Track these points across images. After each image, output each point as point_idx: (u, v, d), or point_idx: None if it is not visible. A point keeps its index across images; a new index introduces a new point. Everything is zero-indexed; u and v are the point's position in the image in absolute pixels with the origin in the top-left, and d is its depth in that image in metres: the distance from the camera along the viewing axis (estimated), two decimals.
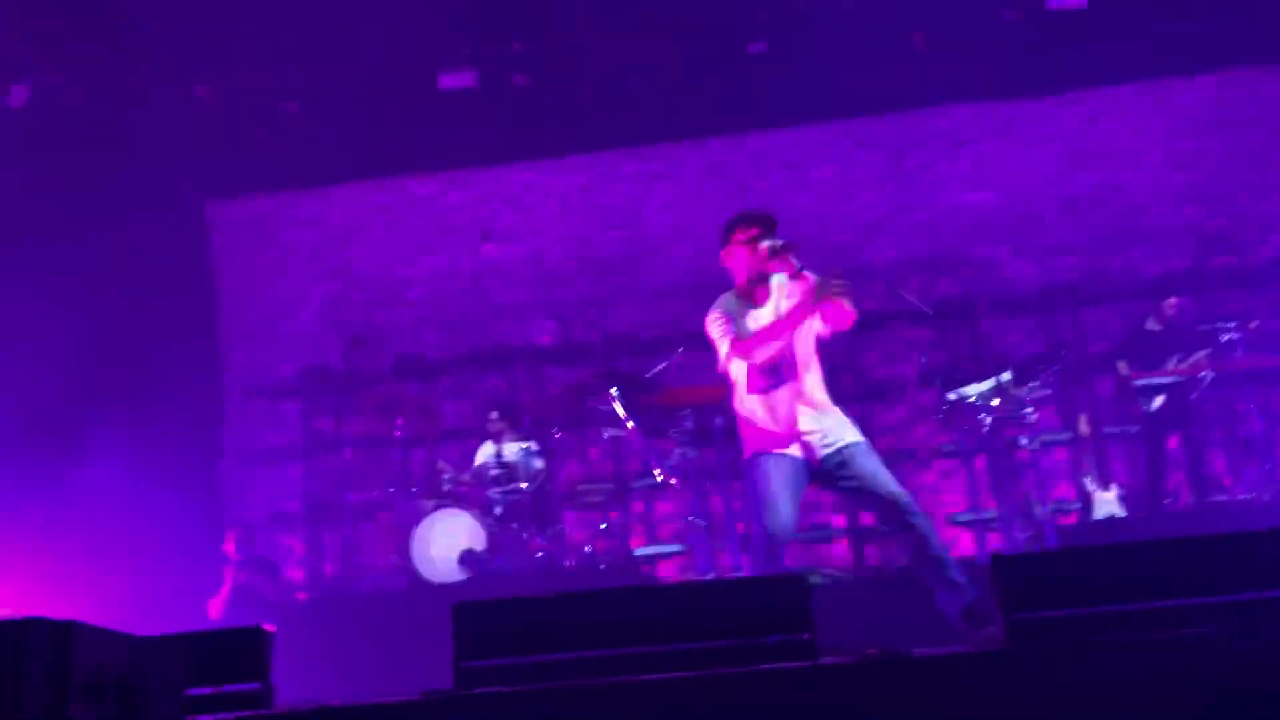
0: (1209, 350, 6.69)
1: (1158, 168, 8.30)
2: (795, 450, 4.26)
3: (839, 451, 4.26)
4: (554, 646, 3.28)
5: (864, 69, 7.81)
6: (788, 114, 8.25)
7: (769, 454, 4.25)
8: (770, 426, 4.27)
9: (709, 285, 8.33)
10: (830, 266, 4.25)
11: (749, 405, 4.33)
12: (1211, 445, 7.02)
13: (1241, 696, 2.90)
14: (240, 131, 7.86)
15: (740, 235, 4.38)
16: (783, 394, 4.28)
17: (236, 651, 3.47)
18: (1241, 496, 6.58)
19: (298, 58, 7.37)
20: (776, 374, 4.29)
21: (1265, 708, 2.88)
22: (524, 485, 6.66)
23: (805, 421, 4.27)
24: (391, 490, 6.95)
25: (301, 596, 7.71)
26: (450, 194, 8.85)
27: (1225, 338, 6.57)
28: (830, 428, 4.29)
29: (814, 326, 4.32)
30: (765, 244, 4.29)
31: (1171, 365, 6.76)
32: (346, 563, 7.49)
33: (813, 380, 4.35)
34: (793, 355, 4.30)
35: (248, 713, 3.37)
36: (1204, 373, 6.54)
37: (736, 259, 4.40)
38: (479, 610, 3.36)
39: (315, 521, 8.10)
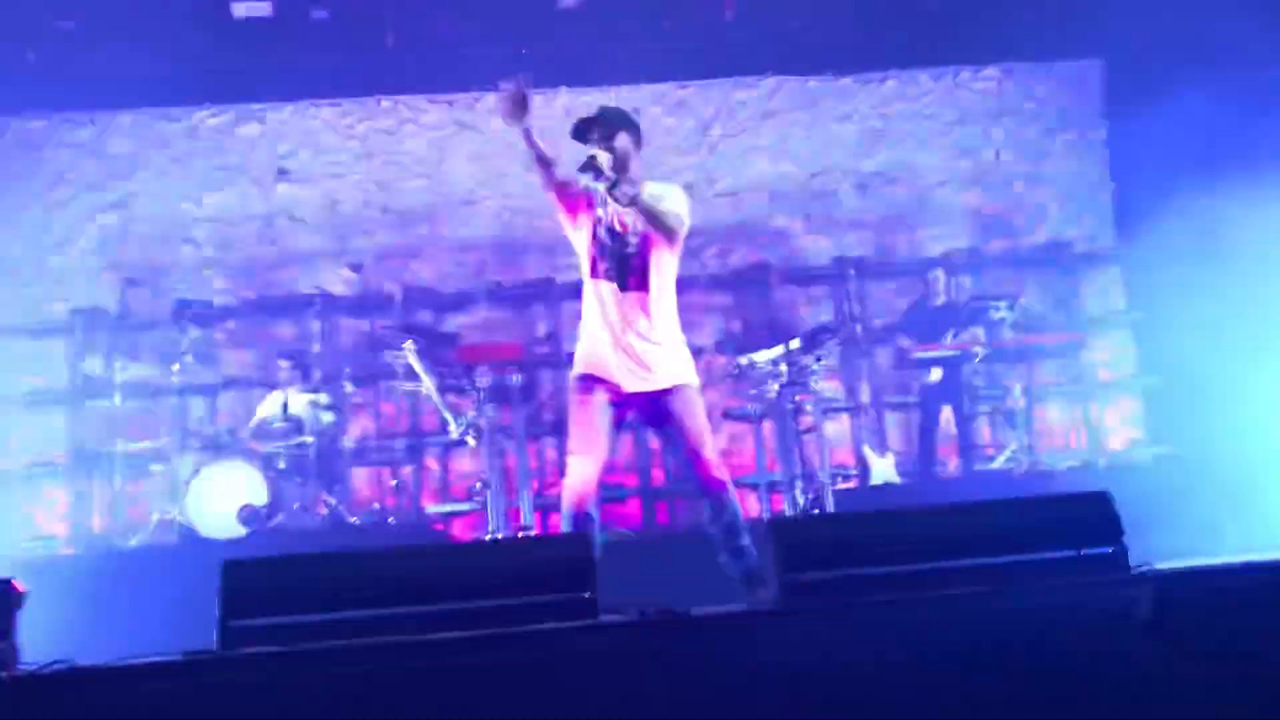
0: (981, 327, 7.09)
1: (945, 152, 8.72)
2: None
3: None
4: (327, 606, 3.18)
5: (676, 36, 7.85)
6: (598, 74, 8.21)
7: None
8: None
9: (513, 241, 8.36)
10: None
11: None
12: (978, 417, 7.46)
13: (991, 653, 3.09)
14: (13, 47, 7.21)
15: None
16: None
17: None
18: (1003, 466, 7.02)
19: None
20: None
21: (1011, 661, 3.08)
22: (310, 439, 6.44)
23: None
24: (166, 440, 6.58)
25: (65, 552, 7.24)
26: (242, 128, 8.41)
27: (996, 316, 6.98)
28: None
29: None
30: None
31: (948, 340, 7.14)
32: (114, 517, 7.06)
33: None
34: None
35: None
36: (976, 348, 6.93)
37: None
38: (249, 568, 3.22)
39: (82, 473, 7.58)
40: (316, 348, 7.04)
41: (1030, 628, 3.17)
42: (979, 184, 8.68)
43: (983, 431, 7.69)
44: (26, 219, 8.13)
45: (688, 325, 8.21)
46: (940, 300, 7.46)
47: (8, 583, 3.29)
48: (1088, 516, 3.43)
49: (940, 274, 7.49)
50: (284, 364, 7.01)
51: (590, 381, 4.15)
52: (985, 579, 3.33)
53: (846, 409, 7.81)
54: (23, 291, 8.04)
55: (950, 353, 7.06)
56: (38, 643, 3.40)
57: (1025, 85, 8.80)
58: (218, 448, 6.44)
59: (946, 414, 7.29)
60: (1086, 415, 8.00)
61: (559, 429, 8.04)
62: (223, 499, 6.17)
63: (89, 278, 8.10)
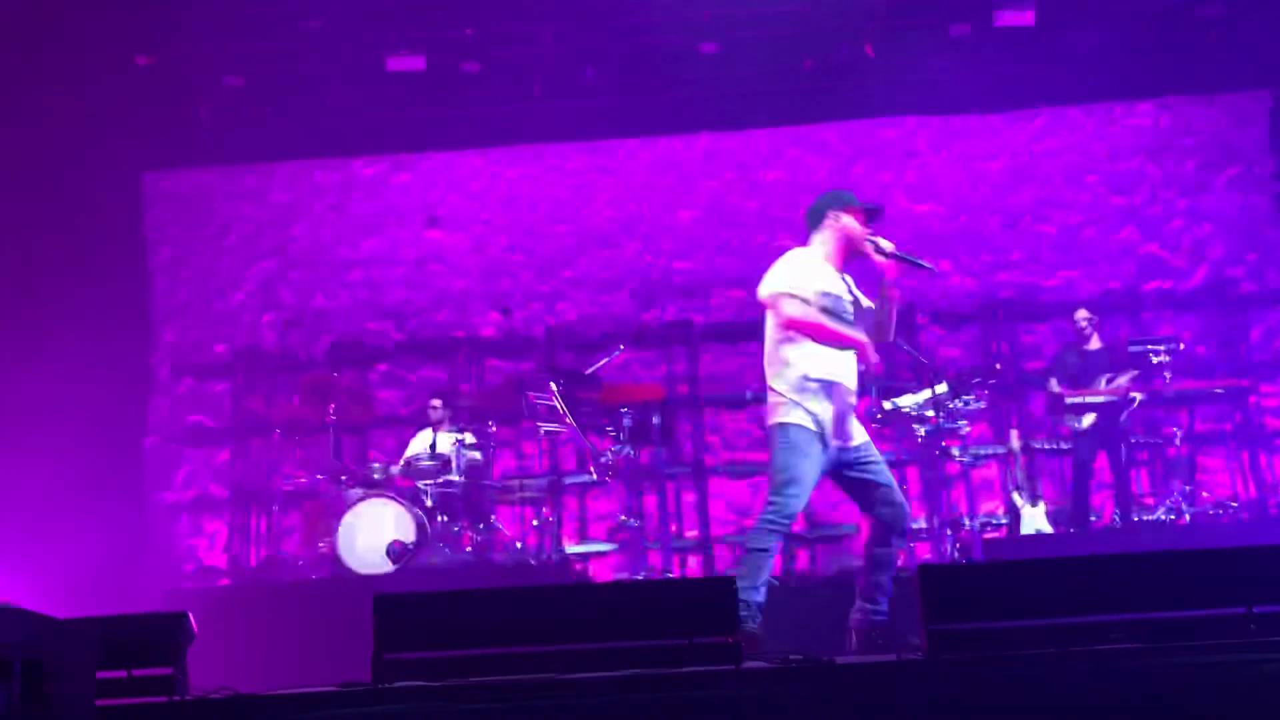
0: (1138, 371, 6.81)
1: (1097, 189, 8.45)
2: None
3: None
4: (475, 642, 3.25)
5: (815, 76, 7.85)
6: (738, 116, 8.27)
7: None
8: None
9: (654, 283, 8.44)
10: None
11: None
12: (1136, 465, 7.15)
13: (1150, 714, 2.95)
14: (182, 102, 7.69)
15: (858, 215, 4.49)
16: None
17: (152, 636, 3.40)
18: (1163, 517, 6.70)
19: (243, 30, 7.23)
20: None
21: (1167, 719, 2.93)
22: (457, 478, 6.59)
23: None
24: (320, 477, 6.84)
25: (224, 583, 7.57)
26: (395, 177, 8.74)
27: (1154, 360, 6.70)
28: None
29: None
30: (882, 242, 4.42)
31: (1102, 385, 6.87)
32: (271, 550, 7.36)
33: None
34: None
35: (159, 698, 3.30)
36: (1133, 394, 6.65)
37: (844, 229, 4.47)
38: (401, 603, 3.31)
39: (241, 507, 7.94)
40: (464, 388, 7.22)
41: (1194, 688, 3.01)
42: (1133, 221, 8.37)
43: (1141, 480, 7.36)
44: (194, 264, 8.61)
45: None
46: (1093, 343, 7.20)
47: (183, 616, 3.47)
48: (1260, 572, 3.25)
49: (1085, 314, 7.22)
50: (435, 403, 7.21)
51: None
52: (1145, 635, 3.19)
53: (995, 455, 7.58)
54: (189, 334, 8.51)
55: (1106, 398, 6.80)
56: (201, 670, 3.56)
57: (1183, 119, 8.46)
58: (369, 485, 6.64)
59: (1101, 461, 7.01)
60: (1254, 464, 7.58)
61: (699, 471, 8.04)
62: (373, 535, 6.35)
63: (251, 320, 8.51)
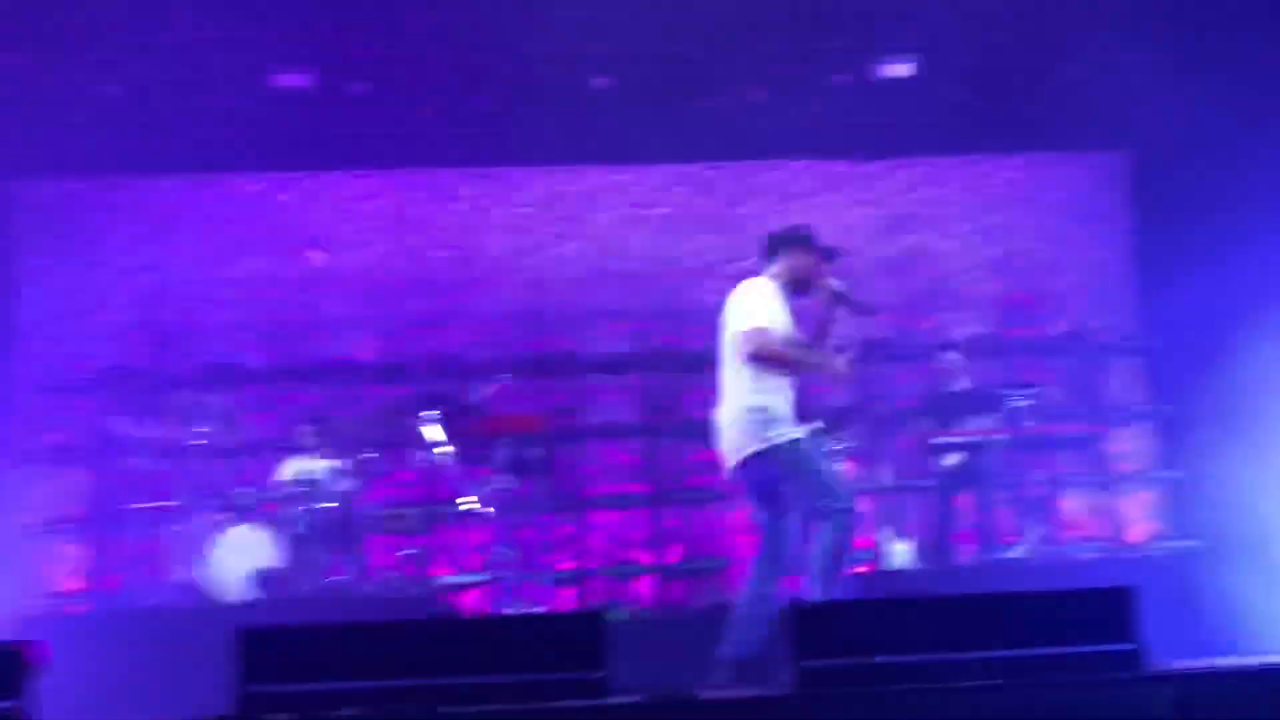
0: (1002, 414, 7.08)
1: (968, 238, 8.79)
2: None
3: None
4: (342, 675, 3.19)
5: (705, 117, 7.99)
6: (628, 152, 8.36)
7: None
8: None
9: (540, 313, 8.45)
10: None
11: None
12: (998, 505, 7.41)
13: None
14: (56, 110, 7.41)
15: (814, 253, 4.64)
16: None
17: None
18: (1022, 556, 6.96)
19: (123, 38, 7.01)
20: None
21: None
22: (329, 505, 6.47)
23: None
24: (186, 501, 6.63)
25: (81, 610, 7.25)
26: (278, 196, 8.58)
27: (1018, 404, 6.97)
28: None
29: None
30: (833, 283, 4.59)
31: (968, 426, 7.12)
32: (132, 576, 7.08)
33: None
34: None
35: None
36: (997, 435, 6.91)
37: (801, 266, 4.59)
38: (266, 634, 3.24)
39: (102, 530, 7.62)
40: (340, 414, 7.10)
41: None
42: (1002, 271, 8.73)
43: (1001, 519, 7.62)
44: (63, 278, 8.28)
45: (709, 402, 8.33)
46: (961, 385, 7.46)
47: (29, 645, 3.31)
48: (1106, 612, 3.41)
49: (956, 356, 7.49)
50: (306, 429, 7.06)
51: None
52: (1000, 672, 3.30)
53: (865, 492, 7.76)
54: (55, 349, 8.17)
55: (971, 438, 7.04)
56: (54, 702, 3.41)
57: (1052, 175, 8.88)
58: (237, 510, 6.47)
59: (966, 500, 7.24)
60: (1107, 506, 7.94)
61: (579, 503, 8.05)
62: (239, 561, 6.20)
63: (120, 337, 8.22)
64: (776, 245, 4.67)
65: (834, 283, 4.60)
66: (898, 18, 7.31)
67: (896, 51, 7.62)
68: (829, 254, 4.69)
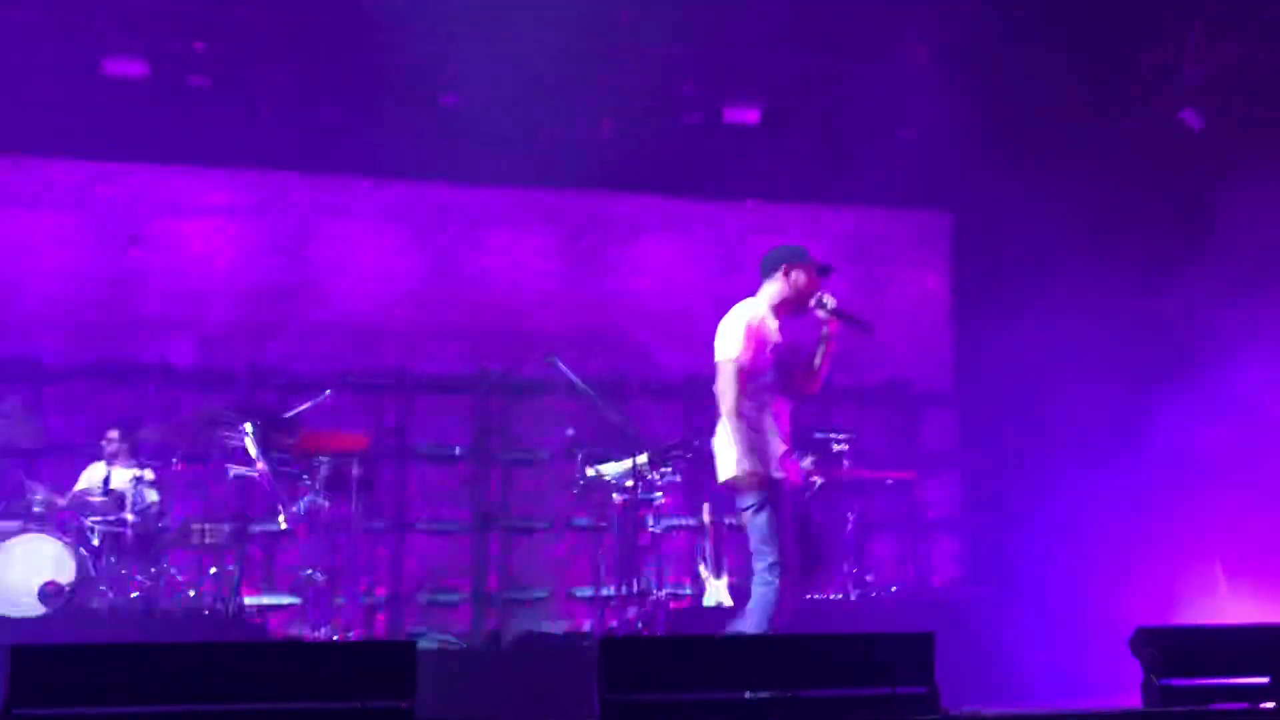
0: (819, 456, 7.28)
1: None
2: None
3: None
4: (125, 699, 3.01)
5: (553, 143, 8.00)
6: (472, 172, 8.29)
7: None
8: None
9: (371, 328, 8.24)
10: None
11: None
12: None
13: None
14: None
15: (811, 271, 4.74)
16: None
17: None
18: (834, 596, 7.15)
19: None
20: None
21: None
22: (131, 517, 6.14)
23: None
24: None
25: None
26: (98, 187, 8.13)
27: (835, 448, 7.19)
28: None
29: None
30: (827, 299, 4.67)
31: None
32: None
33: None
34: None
35: None
36: (814, 477, 7.10)
37: (800, 284, 4.68)
38: (40, 655, 3.03)
39: None
40: (149, 420, 6.75)
41: None
42: None
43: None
44: None
45: (539, 431, 8.31)
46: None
47: None
48: (904, 655, 3.52)
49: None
50: (112, 434, 6.70)
51: None
52: (802, 712, 3.38)
53: (687, 527, 7.86)
54: None
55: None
56: None
57: (879, 228, 9.24)
58: (27, 517, 6.06)
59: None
60: (915, 551, 8.26)
61: (397, 526, 7.86)
62: (26, 573, 5.80)
63: None
64: (774, 264, 4.75)
65: (831, 300, 4.68)
66: (748, 67, 7.52)
67: (744, 99, 7.83)
68: (825, 271, 4.78)
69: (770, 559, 4.33)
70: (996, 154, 7.57)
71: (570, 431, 7.44)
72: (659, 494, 6.22)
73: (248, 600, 6.63)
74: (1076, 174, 7.65)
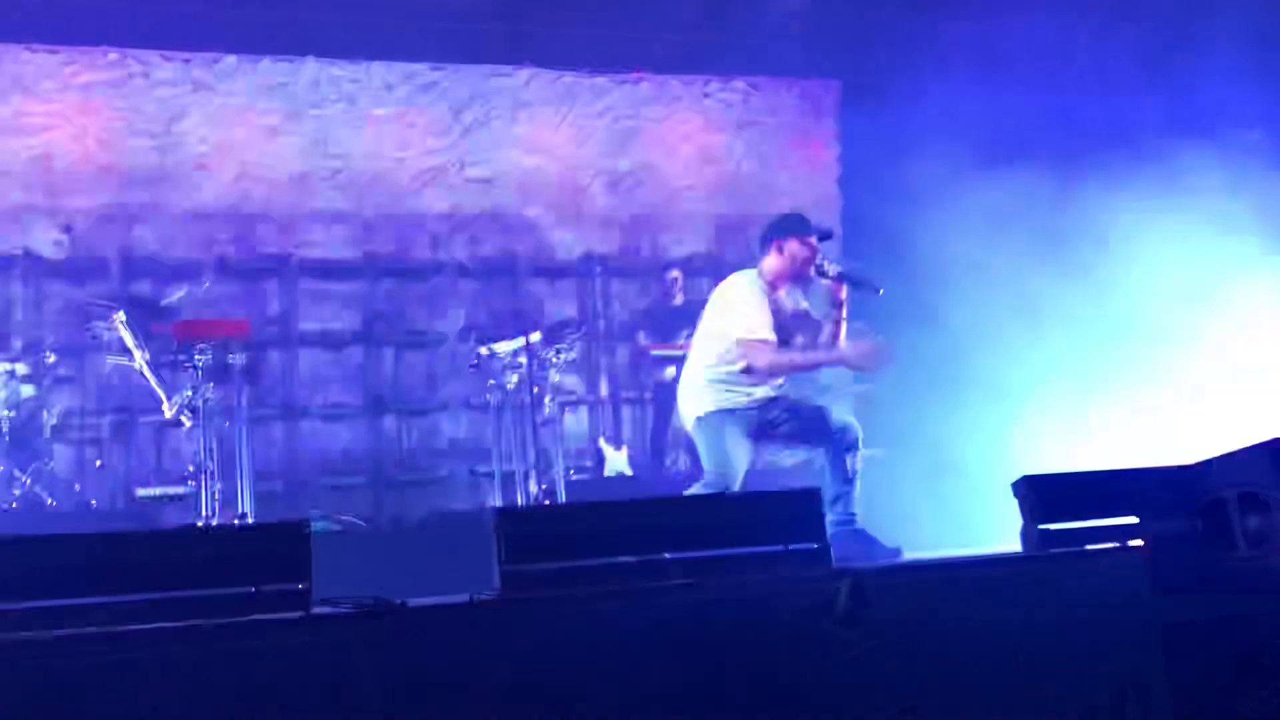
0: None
1: (692, 158, 8.98)
2: None
3: None
4: (14, 594, 2.93)
5: (434, 15, 7.71)
6: (350, 46, 7.95)
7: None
8: None
9: (249, 214, 7.95)
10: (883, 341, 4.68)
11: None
12: None
13: (701, 640, 3.23)
14: None
15: (808, 239, 4.67)
16: None
17: None
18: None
19: None
20: None
21: (719, 648, 3.23)
22: (7, 412, 5.91)
23: None
24: None
25: None
26: None
27: None
28: None
29: None
30: (828, 266, 4.65)
31: (682, 340, 7.36)
32: None
33: None
34: None
35: None
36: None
37: (792, 257, 4.65)
38: None
39: None
40: (18, 314, 6.47)
41: (737, 617, 3.32)
42: (721, 192, 9.00)
43: None
44: None
45: (433, 313, 8.21)
46: (678, 300, 7.69)
47: None
48: (796, 513, 3.62)
49: (678, 275, 7.71)
50: None
51: None
52: (699, 571, 3.46)
53: (585, 402, 7.91)
54: None
55: (685, 352, 7.28)
56: None
57: (769, 99, 9.18)
58: None
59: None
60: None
61: (287, 413, 7.73)
62: None
63: None
64: (767, 237, 4.71)
65: (834, 266, 4.67)
66: None
67: None
68: (825, 235, 4.74)
69: None
70: (884, 18, 7.52)
71: (461, 312, 7.38)
72: (554, 371, 6.22)
73: (139, 492, 6.50)
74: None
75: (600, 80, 8.82)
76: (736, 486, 4.60)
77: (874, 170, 8.33)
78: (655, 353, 7.34)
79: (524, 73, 8.62)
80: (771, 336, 4.63)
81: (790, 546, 3.56)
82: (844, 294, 4.72)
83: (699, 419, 4.69)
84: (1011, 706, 3.32)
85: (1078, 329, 7.18)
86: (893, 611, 3.40)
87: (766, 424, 4.67)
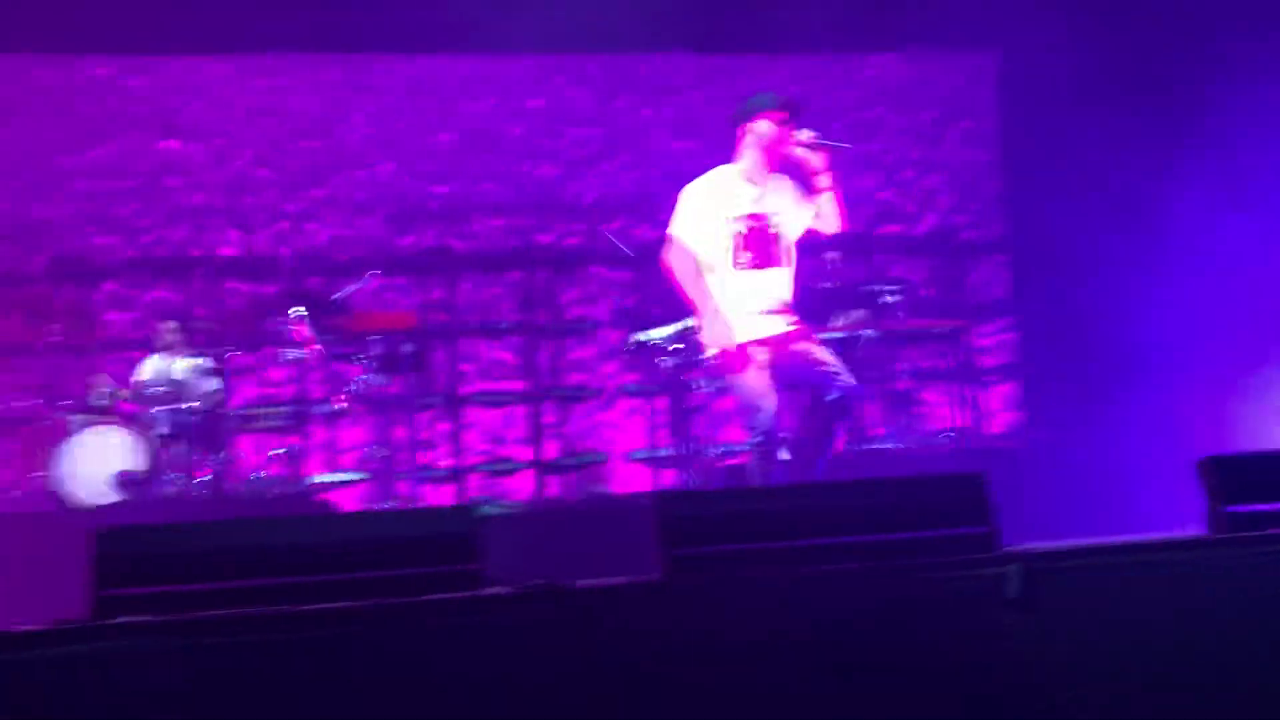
0: (869, 310, 7.23)
1: (840, 135, 8.77)
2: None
3: None
4: (202, 575, 3.10)
5: (578, 5, 7.78)
6: (501, 40, 8.10)
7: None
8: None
9: (410, 207, 8.22)
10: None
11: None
12: (866, 398, 7.61)
13: (863, 627, 3.18)
14: None
15: (776, 115, 4.34)
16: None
17: None
18: (889, 445, 7.19)
19: None
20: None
21: (881, 635, 3.18)
22: (194, 404, 6.28)
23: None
24: (39, 402, 6.35)
25: None
26: (129, 80, 8.08)
27: (886, 300, 7.12)
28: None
29: (805, 222, 4.40)
30: (802, 133, 4.34)
31: (838, 322, 7.26)
32: None
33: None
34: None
35: None
36: (866, 330, 7.07)
37: (762, 136, 4.37)
38: (122, 535, 3.13)
39: None
40: (201, 311, 6.85)
41: (901, 604, 3.26)
42: (872, 168, 8.82)
43: (870, 412, 7.85)
44: None
45: (586, 299, 8.32)
46: (832, 282, 7.57)
47: None
48: (961, 497, 3.53)
49: (834, 255, 7.59)
50: (170, 326, 6.81)
51: None
52: (862, 556, 3.42)
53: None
54: None
55: (840, 334, 7.18)
56: None
57: (922, 72, 8.94)
58: (93, 411, 6.22)
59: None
60: (969, 399, 8.23)
61: (451, 401, 7.97)
62: (98, 464, 5.98)
63: None
64: (736, 120, 4.47)
65: (804, 134, 4.41)
66: None
67: None
68: (794, 108, 4.46)
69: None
70: None
71: (617, 299, 7.46)
72: (708, 355, 6.20)
73: (313, 479, 6.82)
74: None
75: (746, 61, 8.75)
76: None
77: (1038, 148, 8.03)
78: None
79: (672, 57, 8.63)
80: (683, 236, 4.38)
81: (955, 531, 3.48)
82: (826, 164, 4.45)
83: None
84: (1200, 701, 3.17)
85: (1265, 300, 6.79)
86: (1065, 598, 3.28)
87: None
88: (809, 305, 7.45)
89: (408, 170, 8.29)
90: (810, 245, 8.26)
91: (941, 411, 8.34)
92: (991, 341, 8.73)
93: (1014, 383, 8.69)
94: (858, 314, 7.26)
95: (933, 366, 8.25)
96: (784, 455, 6.02)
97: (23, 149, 7.88)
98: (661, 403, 6.91)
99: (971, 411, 8.21)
